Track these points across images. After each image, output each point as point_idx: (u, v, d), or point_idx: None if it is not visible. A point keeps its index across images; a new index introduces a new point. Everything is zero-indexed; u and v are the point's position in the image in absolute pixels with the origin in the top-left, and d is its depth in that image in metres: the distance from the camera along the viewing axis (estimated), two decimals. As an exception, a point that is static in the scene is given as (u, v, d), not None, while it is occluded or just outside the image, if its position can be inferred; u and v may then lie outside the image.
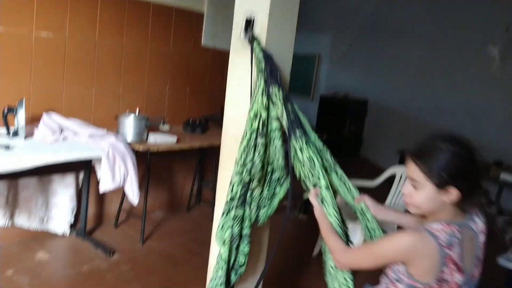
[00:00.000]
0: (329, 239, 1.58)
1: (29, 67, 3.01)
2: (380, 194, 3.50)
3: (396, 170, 3.52)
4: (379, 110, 6.86)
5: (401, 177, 3.46)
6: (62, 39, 3.14)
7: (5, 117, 2.72)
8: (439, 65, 6.28)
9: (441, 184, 1.29)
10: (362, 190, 3.02)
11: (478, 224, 1.37)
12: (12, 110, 2.70)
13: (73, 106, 3.28)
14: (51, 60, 3.12)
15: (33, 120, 3.01)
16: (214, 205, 2.13)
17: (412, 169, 1.35)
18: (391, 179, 3.52)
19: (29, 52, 2.99)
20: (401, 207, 3.35)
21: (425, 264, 1.27)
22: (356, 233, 3.14)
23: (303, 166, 1.72)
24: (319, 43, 7.51)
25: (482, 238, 1.37)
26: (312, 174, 1.71)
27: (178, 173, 4.23)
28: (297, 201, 4.41)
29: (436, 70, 6.31)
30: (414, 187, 1.34)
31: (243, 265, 1.95)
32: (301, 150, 1.71)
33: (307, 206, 4.43)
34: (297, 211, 4.40)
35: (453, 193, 1.29)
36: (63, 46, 3.16)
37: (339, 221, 1.63)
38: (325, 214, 1.65)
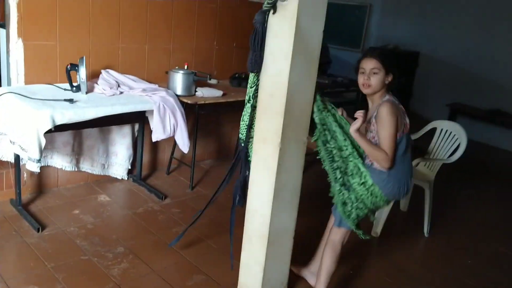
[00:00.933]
0: (374, 151, 2.13)
1: (87, 27, 3.27)
2: (420, 145, 3.59)
3: (436, 124, 3.54)
4: (430, 62, 6.67)
5: (442, 131, 3.49)
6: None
7: (68, 74, 3.01)
8: (499, 13, 5.95)
9: (387, 72, 2.18)
10: None
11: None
12: (74, 67, 2.99)
13: (128, 62, 3.54)
14: (107, 20, 3.36)
15: (92, 77, 3.29)
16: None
17: (373, 63, 2.19)
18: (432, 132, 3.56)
19: (87, 12, 3.24)
20: (439, 161, 3.40)
21: (399, 117, 2.13)
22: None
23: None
24: (371, -8, 7.30)
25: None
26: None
27: (226, 124, 4.47)
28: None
29: (496, 18, 6.00)
30: (374, 74, 2.17)
31: None
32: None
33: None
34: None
35: (390, 78, 2.20)
36: (118, 6, 3.38)
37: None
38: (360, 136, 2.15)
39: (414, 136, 3.61)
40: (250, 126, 2.34)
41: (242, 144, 2.39)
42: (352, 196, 2.24)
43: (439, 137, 3.50)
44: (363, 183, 2.21)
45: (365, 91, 2.24)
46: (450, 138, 3.42)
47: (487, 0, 6.07)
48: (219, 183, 2.64)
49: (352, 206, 2.25)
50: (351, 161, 2.23)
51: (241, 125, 2.40)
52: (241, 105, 4.19)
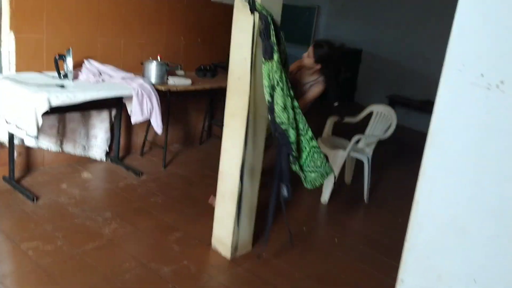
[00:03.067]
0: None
1: (71, 22, 3.67)
2: (361, 127, 4.22)
3: (373, 108, 4.21)
4: (372, 59, 7.45)
5: (377, 114, 4.15)
6: (95, -3, 3.78)
7: (56, 63, 3.41)
8: (427, 16, 6.81)
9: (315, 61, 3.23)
10: (347, 124, 4.01)
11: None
12: (61, 57, 3.39)
13: (106, 54, 3.96)
14: (88, 16, 3.77)
15: (75, 66, 3.69)
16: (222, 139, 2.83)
17: (310, 50, 3.30)
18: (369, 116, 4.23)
19: (71, 8, 3.64)
20: (375, 137, 4.06)
21: None
22: (336, 161, 3.90)
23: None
24: (319, -4, 8.01)
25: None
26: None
27: (192, 112, 4.96)
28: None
29: (424, 19, 6.85)
30: (308, 57, 3.29)
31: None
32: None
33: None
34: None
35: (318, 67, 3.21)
36: (97, 3, 3.80)
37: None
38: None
39: (355, 119, 4.28)
40: (285, 108, 2.44)
41: (282, 127, 2.46)
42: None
43: (375, 118, 4.16)
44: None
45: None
46: (384, 119, 4.09)
47: (417, 4, 6.90)
48: (187, 163, 3.08)
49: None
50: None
51: (276, 110, 2.45)
52: (205, 94, 4.73)
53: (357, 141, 4.05)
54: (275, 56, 2.43)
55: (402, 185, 4.79)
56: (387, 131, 3.98)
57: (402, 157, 5.71)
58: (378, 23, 7.36)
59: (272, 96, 2.46)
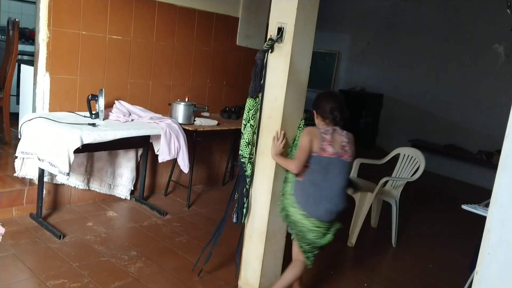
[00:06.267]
0: (283, 162, 2.63)
1: (103, 63, 3.80)
2: (387, 170, 4.18)
3: (400, 150, 4.17)
4: (393, 103, 7.48)
5: (404, 156, 4.12)
6: (128, 41, 3.92)
7: (88, 103, 3.50)
8: (448, 61, 6.88)
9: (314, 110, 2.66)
10: (372, 166, 3.93)
11: (344, 132, 2.60)
12: (94, 97, 3.48)
13: (135, 95, 4.07)
14: (119, 58, 3.90)
15: (106, 107, 3.77)
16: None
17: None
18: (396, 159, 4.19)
19: (103, 51, 3.78)
20: (403, 179, 4.00)
21: (315, 139, 2.50)
22: (363, 203, 3.83)
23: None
24: (339, 42, 8.16)
25: (345, 139, 2.57)
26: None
27: (216, 153, 4.99)
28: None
29: (446, 66, 6.91)
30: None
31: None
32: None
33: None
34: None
35: (315, 114, 2.64)
36: (129, 47, 3.94)
37: None
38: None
39: (381, 161, 4.24)
40: (249, 143, 2.74)
41: (242, 160, 2.76)
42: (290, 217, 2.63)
43: (402, 161, 4.12)
44: (287, 196, 2.63)
45: None
46: (411, 162, 4.05)
47: (437, 49, 6.98)
48: (210, 203, 3.07)
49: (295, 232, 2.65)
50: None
51: (241, 143, 2.76)
52: (230, 134, 4.78)
53: (385, 183, 3.99)
54: (259, 97, 2.72)
55: (429, 227, 4.70)
56: (414, 174, 3.93)
57: (425, 200, 5.61)
58: (398, 67, 7.44)
59: (244, 129, 2.75)
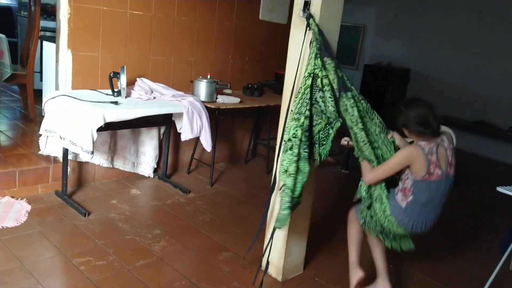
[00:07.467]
0: (363, 165, 2.38)
1: (124, 41, 3.75)
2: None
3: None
4: (420, 79, 7.24)
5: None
6: (149, 16, 3.85)
7: (110, 80, 3.46)
8: (480, 34, 6.58)
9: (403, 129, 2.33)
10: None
11: (445, 143, 2.29)
12: (116, 75, 3.44)
13: (157, 72, 4.01)
14: (141, 34, 3.84)
15: (128, 84, 3.74)
16: (268, 159, 2.70)
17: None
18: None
19: (124, 27, 3.72)
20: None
21: (419, 163, 2.19)
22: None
23: (352, 119, 2.33)
24: (365, 15, 7.89)
25: (449, 152, 2.28)
26: (356, 126, 2.33)
27: (238, 131, 4.93)
28: (340, 158, 5.01)
29: (477, 38, 6.61)
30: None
31: (301, 195, 2.53)
32: (352, 107, 2.31)
33: (348, 162, 5.04)
34: (339, 166, 5.01)
35: (406, 132, 2.32)
36: (150, 22, 3.87)
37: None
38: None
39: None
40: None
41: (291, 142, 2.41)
42: (373, 215, 2.46)
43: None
44: (383, 211, 2.39)
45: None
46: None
47: (468, 22, 6.68)
48: (233, 182, 2.96)
49: (369, 220, 2.50)
50: (377, 190, 2.41)
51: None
52: (252, 112, 4.70)
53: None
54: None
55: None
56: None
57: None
58: (427, 41, 7.16)
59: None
